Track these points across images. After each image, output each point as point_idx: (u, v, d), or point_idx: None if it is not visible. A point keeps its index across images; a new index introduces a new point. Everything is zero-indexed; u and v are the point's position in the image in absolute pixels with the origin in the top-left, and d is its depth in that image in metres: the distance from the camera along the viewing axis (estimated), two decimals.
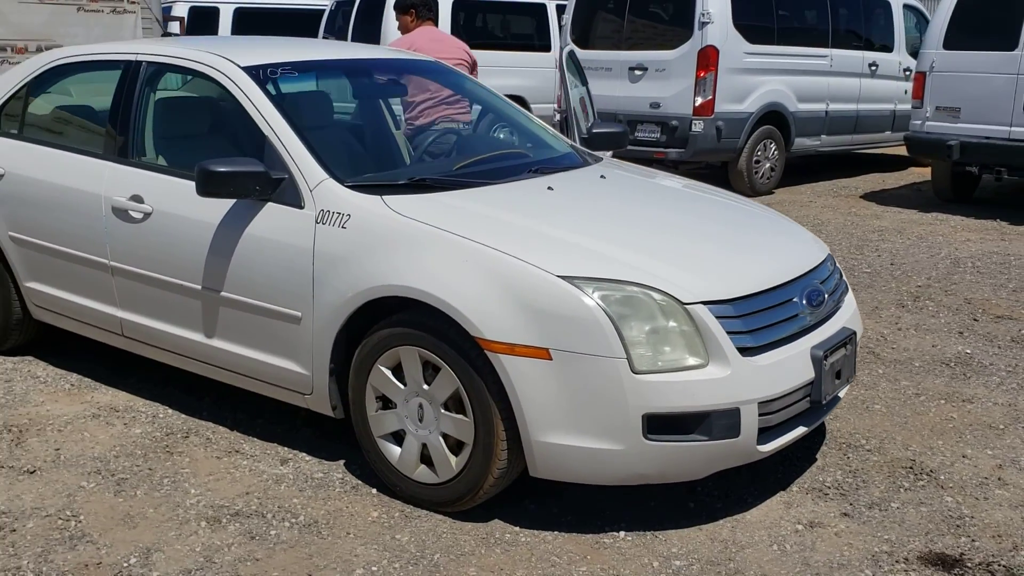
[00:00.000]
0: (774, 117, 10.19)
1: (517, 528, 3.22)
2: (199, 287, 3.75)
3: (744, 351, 3.04)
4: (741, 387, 3.01)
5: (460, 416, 3.18)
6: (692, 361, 2.99)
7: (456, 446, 3.24)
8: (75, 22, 10.17)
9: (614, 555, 3.07)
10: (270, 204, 3.56)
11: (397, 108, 5.17)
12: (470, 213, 3.36)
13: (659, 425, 2.97)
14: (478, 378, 3.08)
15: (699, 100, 9.56)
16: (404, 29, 6.47)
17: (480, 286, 3.06)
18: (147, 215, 3.88)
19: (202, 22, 13.49)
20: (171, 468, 3.63)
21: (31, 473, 3.59)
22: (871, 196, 10.26)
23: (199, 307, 3.79)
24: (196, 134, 4.27)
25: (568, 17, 10.67)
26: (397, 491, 3.40)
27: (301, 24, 13.38)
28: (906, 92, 11.88)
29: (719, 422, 2.99)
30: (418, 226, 3.26)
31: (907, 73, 11.82)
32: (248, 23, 13.19)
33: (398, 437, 3.39)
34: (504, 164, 4.07)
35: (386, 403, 3.39)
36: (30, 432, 3.94)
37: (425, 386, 3.24)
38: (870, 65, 11.27)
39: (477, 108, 5.39)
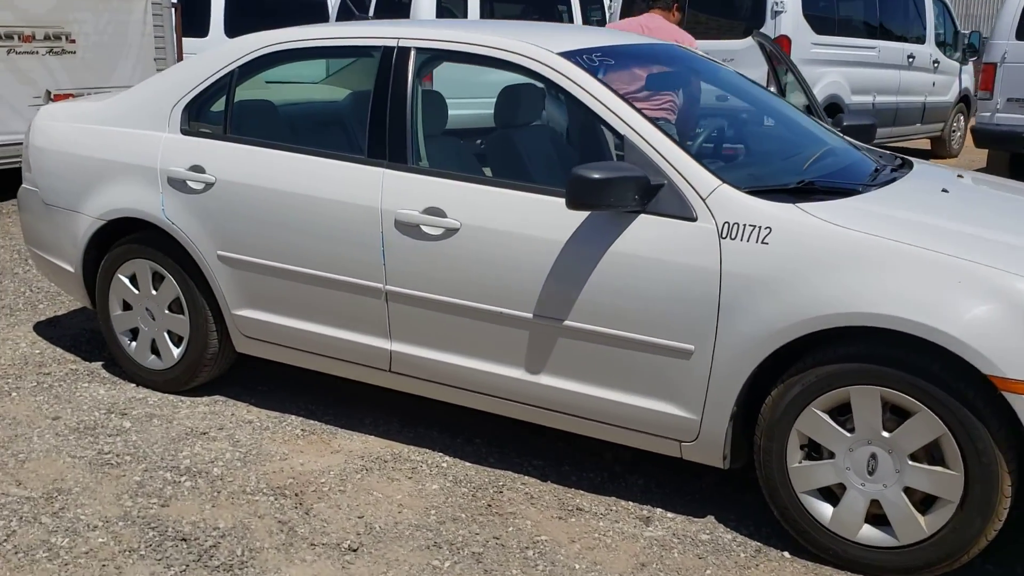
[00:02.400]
0: (832, 109, 9.91)
1: None
2: (529, 316, 3.14)
3: None
4: None
5: (939, 468, 2.66)
6: None
7: (921, 502, 2.73)
8: (83, 7, 9.23)
9: None
10: (643, 216, 2.98)
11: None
12: (913, 223, 2.85)
13: None
14: (979, 424, 2.57)
15: (772, 90, 9.18)
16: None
17: (985, 312, 2.56)
18: (451, 231, 3.24)
19: (190, 8, 12.53)
20: (523, 536, 3.02)
21: (355, 551, 2.94)
22: None
23: (525, 339, 3.18)
24: (503, 133, 3.63)
25: (617, 8, 10.20)
26: (828, 555, 2.87)
27: (298, 14, 12.55)
28: (934, 84, 11.84)
29: None
30: (871, 240, 2.73)
31: (936, 65, 11.75)
32: (241, 11, 12.25)
33: (827, 491, 2.86)
34: (845, 164, 3.56)
35: (813, 452, 2.85)
36: (307, 495, 3.26)
37: (884, 433, 2.72)
38: (908, 57, 11.12)
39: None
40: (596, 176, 2.84)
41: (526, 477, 3.41)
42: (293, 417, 3.89)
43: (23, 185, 4.46)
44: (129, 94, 4.14)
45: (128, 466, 3.44)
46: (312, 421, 3.86)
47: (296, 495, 3.26)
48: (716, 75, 4.18)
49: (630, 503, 3.24)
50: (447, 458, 3.54)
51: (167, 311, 4.01)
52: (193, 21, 12.09)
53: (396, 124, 3.43)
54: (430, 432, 3.76)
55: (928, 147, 12.90)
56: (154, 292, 4.02)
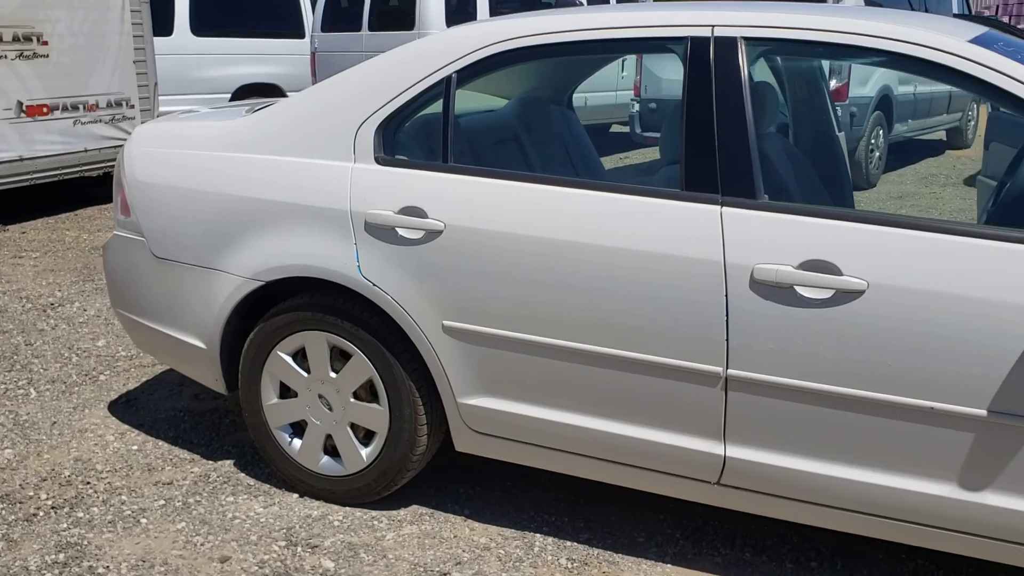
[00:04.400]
0: (884, 102, 9.30)
1: None
2: (982, 413, 2.24)
3: None
4: None
5: None
6: None
7: None
8: (55, 4, 7.96)
9: None
10: None
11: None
12: None
13: None
14: None
15: (834, 82, 8.51)
16: None
17: None
18: (850, 294, 2.31)
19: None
20: None
21: None
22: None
23: (967, 445, 2.28)
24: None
25: None
26: None
27: (270, 11, 11.35)
28: None
29: None
30: None
31: None
32: (208, 8, 10.96)
33: None
34: None
35: None
36: None
37: None
38: None
39: None
40: None
41: None
42: (539, 537, 2.91)
43: (115, 232, 3.37)
44: (277, 111, 3.08)
45: None
46: (569, 543, 2.89)
47: None
48: None
49: None
50: None
51: (352, 399, 2.99)
52: (154, 19, 10.77)
53: (731, 143, 2.48)
54: (740, 553, 2.83)
55: (944, 138, 12.44)
56: (333, 374, 2.99)
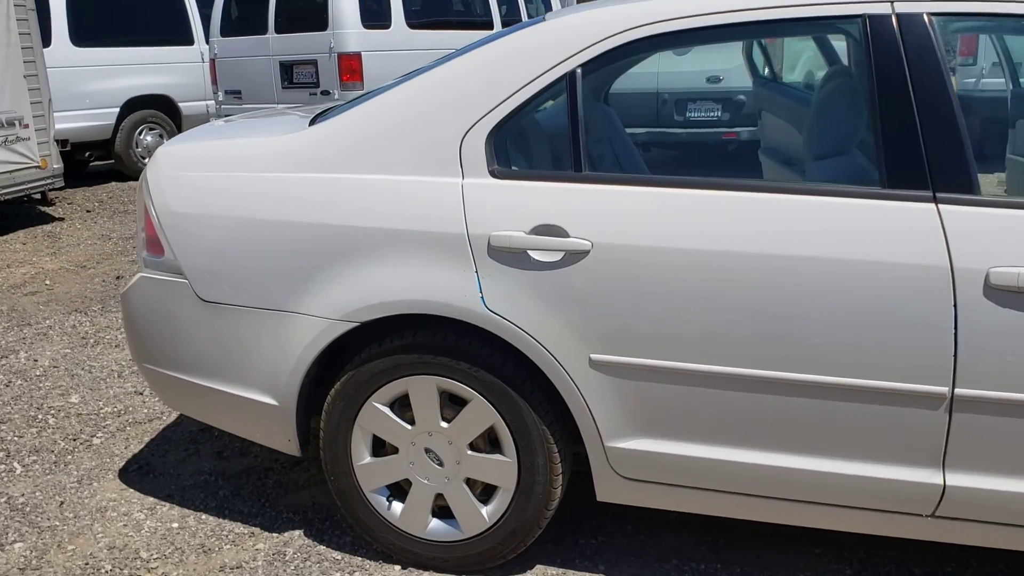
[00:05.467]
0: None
1: None
2: None
3: None
4: None
5: None
6: None
7: None
8: None
9: None
10: None
11: None
12: None
13: None
14: None
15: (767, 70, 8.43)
16: None
17: None
18: None
19: None
20: None
21: None
22: None
23: None
24: None
25: None
26: None
27: (156, 18, 10.55)
28: None
29: None
30: None
31: None
32: (89, 16, 10.09)
33: None
34: None
35: None
36: None
37: None
38: None
39: None
40: None
41: None
42: None
43: (142, 275, 2.83)
44: (353, 122, 2.61)
45: None
46: None
47: None
48: None
49: None
50: None
51: (469, 450, 2.57)
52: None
53: (937, 132, 2.19)
54: None
55: None
56: (444, 424, 2.57)
